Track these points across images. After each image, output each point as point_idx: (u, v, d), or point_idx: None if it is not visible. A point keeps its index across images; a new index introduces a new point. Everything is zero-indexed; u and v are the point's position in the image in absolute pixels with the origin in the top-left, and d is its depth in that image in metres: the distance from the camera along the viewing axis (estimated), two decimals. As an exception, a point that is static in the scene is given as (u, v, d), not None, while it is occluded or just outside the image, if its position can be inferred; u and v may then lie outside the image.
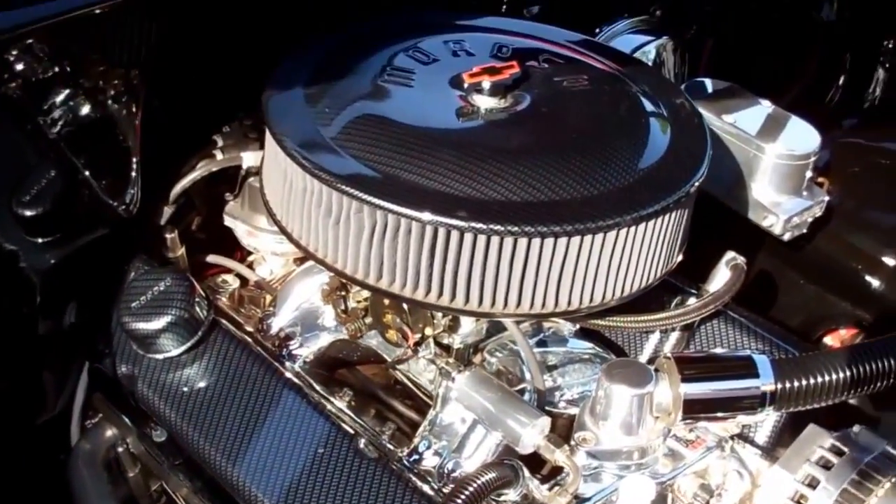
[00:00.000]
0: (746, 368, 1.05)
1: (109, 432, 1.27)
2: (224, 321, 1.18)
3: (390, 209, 0.98)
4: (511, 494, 1.00)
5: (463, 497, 0.93)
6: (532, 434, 1.03)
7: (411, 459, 1.08)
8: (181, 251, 1.25)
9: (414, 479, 1.04)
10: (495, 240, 0.98)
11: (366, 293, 1.14)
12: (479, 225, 0.97)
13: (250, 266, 1.33)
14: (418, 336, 1.10)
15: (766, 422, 1.14)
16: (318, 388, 1.18)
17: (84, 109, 1.17)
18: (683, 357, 1.07)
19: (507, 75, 1.10)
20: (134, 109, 1.17)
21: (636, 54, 1.49)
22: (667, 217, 1.04)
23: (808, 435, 1.11)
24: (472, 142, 1.06)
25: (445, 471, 1.07)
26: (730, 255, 1.19)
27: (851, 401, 1.39)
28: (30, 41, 1.10)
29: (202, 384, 1.14)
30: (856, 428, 1.11)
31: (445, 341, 1.15)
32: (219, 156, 1.24)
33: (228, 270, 1.32)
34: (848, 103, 1.63)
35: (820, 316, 1.48)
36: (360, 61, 1.15)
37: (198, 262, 1.31)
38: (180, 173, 1.24)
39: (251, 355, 1.14)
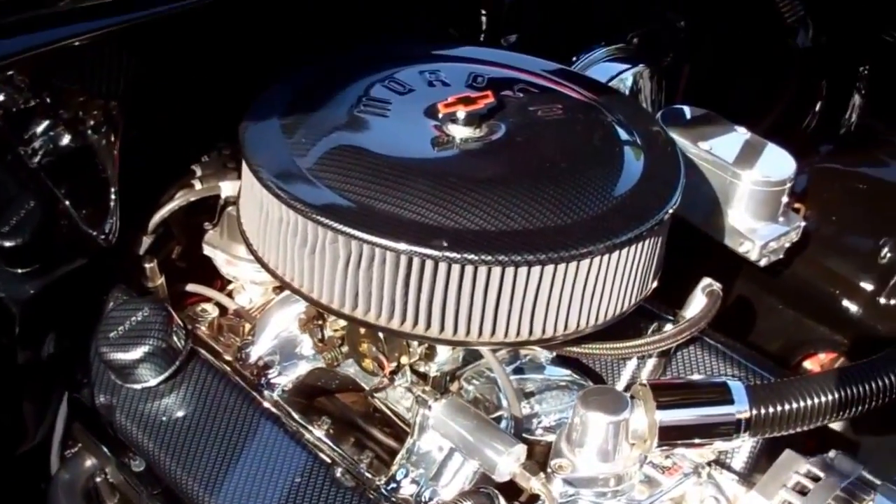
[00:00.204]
0: (721, 395, 1.05)
1: (89, 462, 1.27)
2: (203, 350, 1.19)
3: (365, 239, 0.98)
4: (488, 522, 1.00)
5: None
6: (508, 462, 1.03)
7: (389, 488, 1.08)
8: (160, 280, 1.25)
9: (391, 507, 1.04)
10: (469, 269, 0.99)
11: (343, 322, 1.14)
12: (453, 254, 0.98)
13: (230, 295, 1.34)
14: (394, 365, 1.11)
15: (742, 447, 1.15)
16: (296, 416, 1.18)
17: (64, 140, 1.17)
18: (659, 384, 1.08)
19: (482, 105, 1.11)
20: (112, 139, 1.17)
21: (613, 82, 1.52)
22: (640, 245, 1.05)
23: (785, 460, 1.12)
24: (447, 171, 1.07)
25: (423, 499, 1.07)
26: (706, 281, 1.20)
27: (834, 426, 1.42)
28: (10, 72, 1.11)
29: (180, 414, 1.14)
30: (832, 453, 1.12)
31: (422, 369, 1.15)
32: (197, 185, 1.25)
33: (208, 299, 1.33)
34: (825, 129, 1.64)
35: (799, 341, 1.49)
36: (336, 92, 1.16)
37: (178, 291, 1.32)
38: (159, 203, 1.25)
39: (229, 385, 1.14)
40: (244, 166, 1.09)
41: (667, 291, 1.24)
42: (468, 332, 1.03)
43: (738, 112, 1.45)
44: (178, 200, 1.24)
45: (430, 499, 1.07)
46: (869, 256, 1.44)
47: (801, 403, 1.05)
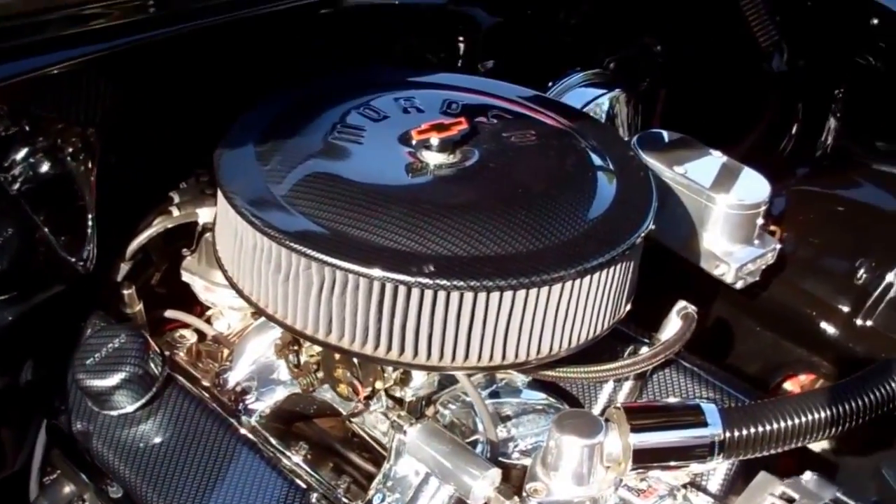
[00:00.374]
0: (695, 417, 1.06)
1: (67, 489, 1.27)
2: (180, 376, 1.19)
3: (337, 265, 0.99)
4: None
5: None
6: (482, 486, 1.03)
7: (365, 513, 1.08)
8: (139, 307, 1.26)
9: (367, 533, 1.05)
10: (441, 294, 1.00)
11: (318, 348, 1.15)
12: (426, 280, 0.98)
13: (208, 321, 1.34)
14: (369, 390, 1.11)
15: (718, 469, 1.15)
16: (273, 442, 1.19)
17: (42, 167, 1.18)
18: (632, 407, 1.08)
19: (456, 131, 1.12)
20: (90, 166, 1.18)
21: (589, 107, 1.53)
22: (612, 269, 1.06)
23: (759, 482, 1.12)
24: (421, 198, 1.08)
25: (399, 524, 1.08)
26: (681, 304, 1.21)
27: (813, 447, 1.42)
28: (-10, 101, 1.12)
29: (157, 440, 1.14)
30: (807, 475, 1.12)
31: (398, 394, 1.16)
32: (175, 212, 1.26)
33: (187, 325, 1.33)
34: (801, 152, 1.66)
35: (777, 363, 1.50)
36: (311, 119, 1.17)
37: (156, 317, 1.32)
38: (137, 230, 1.25)
39: (206, 411, 1.15)
40: (219, 193, 1.09)
41: (646, 315, 1.25)
42: (441, 358, 1.03)
43: (714, 136, 1.46)
44: (156, 227, 1.25)
45: (406, 523, 1.07)
46: (845, 278, 1.45)
47: (775, 425, 1.05)
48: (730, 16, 1.58)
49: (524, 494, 1.04)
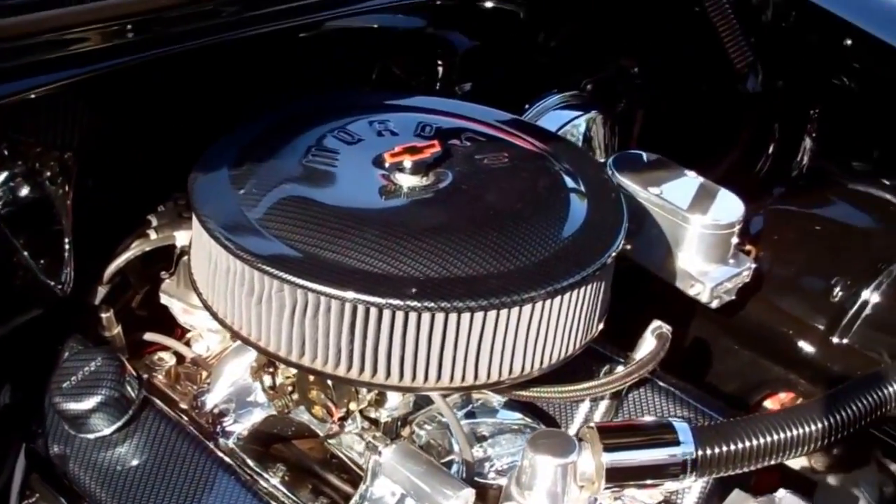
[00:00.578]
0: (668, 436, 1.07)
1: (46, 513, 1.27)
2: (158, 399, 1.19)
3: (310, 288, 1.00)
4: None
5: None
6: (456, 506, 1.04)
7: (341, 534, 1.09)
8: (117, 330, 1.26)
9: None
10: (413, 316, 1.00)
11: (294, 370, 1.15)
12: (397, 302, 0.99)
13: (188, 343, 1.35)
14: (343, 411, 1.12)
15: (693, 487, 1.16)
16: (251, 464, 1.19)
17: (20, 191, 1.19)
18: (605, 426, 1.09)
19: (429, 154, 1.13)
20: (67, 190, 1.19)
21: (566, 128, 1.54)
22: (583, 289, 1.07)
23: (734, 500, 1.13)
24: (393, 220, 1.09)
25: (375, 545, 1.08)
26: (655, 324, 1.22)
27: (791, 464, 1.43)
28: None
29: (134, 463, 1.14)
30: (780, 493, 1.13)
31: (373, 415, 1.16)
32: (153, 235, 1.26)
33: (166, 347, 1.34)
34: (777, 172, 1.67)
35: (756, 381, 1.50)
36: (285, 143, 1.18)
37: (136, 340, 1.33)
38: (115, 253, 1.26)
39: (183, 433, 1.15)
40: (193, 216, 1.10)
41: (626, 335, 1.26)
42: (414, 379, 1.04)
43: (692, 156, 1.48)
44: (134, 250, 1.25)
45: (383, 545, 1.08)
46: (821, 296, 1.46)
47: (747, 443, 1.06)
48: (706, 37, 1.60)
49: (499, 514, 1.05)
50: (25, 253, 1.19)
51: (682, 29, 1.64)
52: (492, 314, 1.02)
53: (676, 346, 1.27)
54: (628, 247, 1.39)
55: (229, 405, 1.24)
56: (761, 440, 1.06)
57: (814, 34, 1.62)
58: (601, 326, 1.16)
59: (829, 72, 1.62)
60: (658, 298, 1.42)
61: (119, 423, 1.14)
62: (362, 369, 1.03)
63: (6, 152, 1.17)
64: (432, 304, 1.00)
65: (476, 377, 1.05)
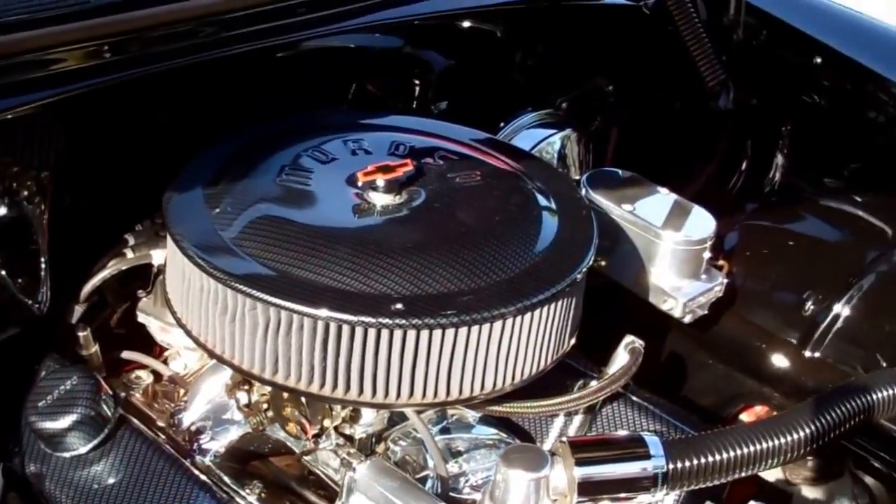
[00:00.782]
0: (639, 450, 1.08)
1: (23, 532, 1.27)
2: (135, 417, 1.19)
3: (282, 306, 1.01)
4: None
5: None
6: (430, 522, 1.05)
7: (316, 551, 1.09)
8: (94, 348, 1.27)
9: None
10: (385, 333, 1.02)
11: (268, 387, 1.16)
12: (369, 319, 1.01)
13: (165, 361, 1.35)
14: (317, 428, 1.13)
15: (665, 500, 1.17)
16: (227, 481, 1.19)
17: None
18: (577, 441, 1.11)
19: (401, 173, 1.15)
20: (43, 209, 1.20)
21: (541, 146, 1.56)
22: (553, 305, 1.09)
23: (705, 513, 1.15)
24: (366, 238, 1.10)
25: (350, 561, 1.09)
26: (628, 339, 1.23)
27: (766, 476, 1.45)
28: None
29: (110, 481, 1.14)
30: (749, 504, 1.15)
31: (348, 431, 1.17)
32: (129, 254, 1.27)
33: (144, 366, 1.34)
34: (750, 188, 1.70)
35: (730, 395, 1.52)
36: (260, 162, 1.20)
37: (113, 358, 1.33)
38: (91, 272, 1.26)
39: (159, 451, 1.15)
40: (167, 235, 1.11)
41: (601, 350, 1.27)
42: (387, 395, 1.05)
43: (666, 173, 1.50)
44: (110, 269, 1.26)
45: (357, 561, 1.08)
46: (794, 310, 1.48)
47: (718, 456, 1.08)
48: (678, 56, 1.62)
49: (473, 528, 1.06)
50: (2, 272, 1.19)
51: (655, 48, 1.66)
52: (463, 331, 1.03)
53: (652, 360, 1.29)
54: (602, 263, 1.41)
55: (206, 423, 1.24)
56: (732, 453, 1.07)
57: (785, 52, 1.64)
58: (573, 341, 1.18)
59: (799, 89, 1.64)
60: (632, 314, 1.43)
61: (95, 442, 1.14)
62: (335, 386, 1.04)
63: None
64: (404, 322, 1.01)
65: (448, 393, 1.07)
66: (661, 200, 1.42)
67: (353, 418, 1.16)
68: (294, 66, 1.42)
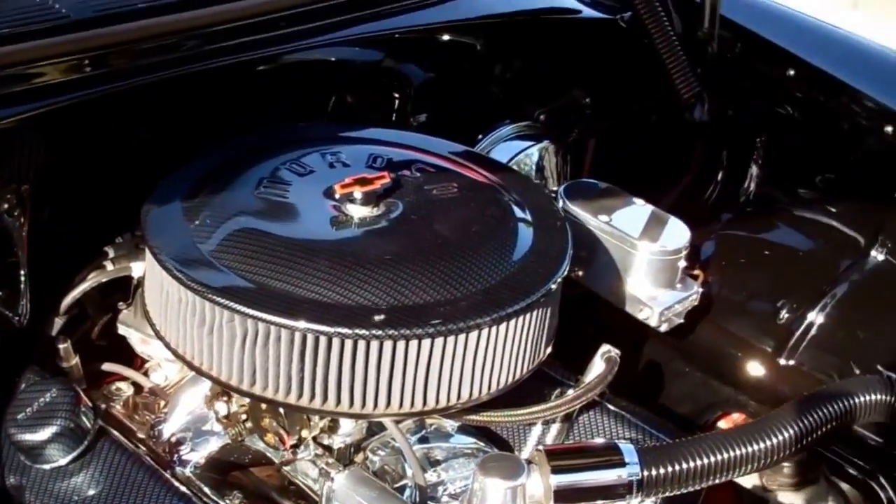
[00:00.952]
0: (614, 457, 1.09)
1: (4, 544, 1.28)
2: (115, 429, 1.20)
3: (259, 317, 1.02)
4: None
5: None
6: (407, 531, 1.06)
7: (296, 560, 1.10)
8: (75, 361, 1.27)
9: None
10: (362, 344, 1.03)
11: (247, 398, 1.17)
12: (345, 330, 1.02)
13: (146, 373, 1.36)
14: (296, 438, 1.14)
15: (643, 507, 1.19)
16: (207, 492, 1.20)
17: None
18: (554, 449, 1.12)
19: (378, 185, 1.16)
20: (22, 222, 1.20)
21: (519, 157, 1.58)
22: (528, 315, 1.10)
23: (680, 521, 1.16)
24: (343, 250, 1.11)
25: (329, 570, 1.10)
26: (605, 348, 1.25)
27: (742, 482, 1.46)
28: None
29: (91, 493, 1.15)
30: (724, 512, 1.16)
31: (326, 441, 1.18)
32: (109, 267, 1.27)
33: (125, 377, 1.35)
34: (725, 198, 1.72)
35: (707, 402, 1.54)
36: (238, 175, 1.21)
37: (94, 370, 1.34)
38: (71, 284, 1.27)
39: (139, 463, 1.16)
40: (146, 248, 1.12)
41: (579, 359, 1.29)
42: (364, 405, 1.06)
43: (642, 184, 1.52)
44: (90, 281, 1.26)
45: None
46: (768, 318, 1.51)
47: (692, 463, 1.09)
48: (654, 69, 1.64)
49: (450, 537, 1.07)
50: None
51: (632, 61, 1.69)
52: (439, 341, 1.05)
53: (629, 369, 1.31)
54: (579, 273, 1.43)
55: (186, 434, 1.25)
56: (706, 460, 1.09)
57: (758, 65, 1.67)
58: (549, 350, 1.19)
59: (773, 101, 1.67)
60: (609, 323, 1.45)
61: (75, 454, 1.15)
62: (313, 397, 1.05)
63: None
64: (381, 332, 1.02)
65: (426, 403, 1.08)
66: (637, 211, 1.44)
67: (332, 428, 1.17)
68: (275, 80, 1.44)
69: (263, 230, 1.13)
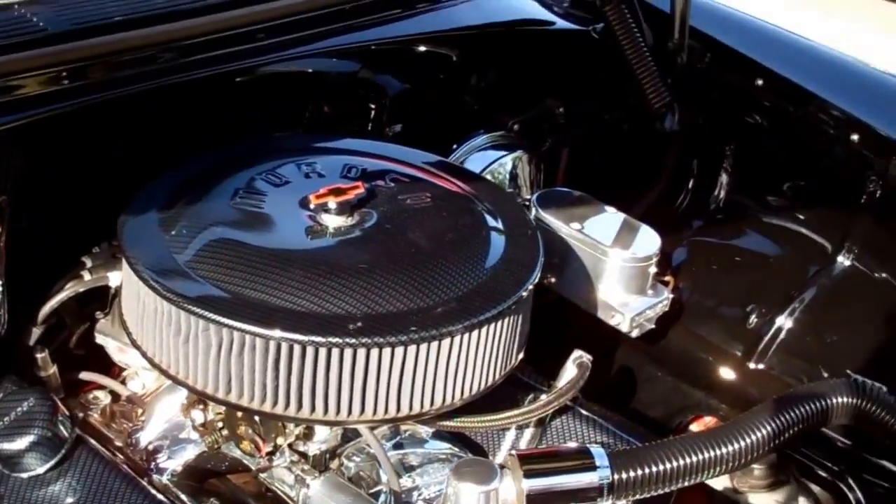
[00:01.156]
0: (585, 461, 1.11)
1: (-18, 553, 1.28)
2: (93, 437, 1.21)
3: (234, 326, 1.03)
4: None
5: None
6: (382, 535, 1.08)
7: (271, 567, 1.12)
8: (53, 370, 1.28)
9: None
10: (335, 352, 1.04)
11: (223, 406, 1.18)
12: (319, 338, 1.03)
13: (123, 381, 1.37)
14: (271, 446, 1.15)
15: (616, 510, 1.21)
16: (185, 499, 1.21)
17: None
18: (526, 454, 1.14)
19: (353, 195, 1.18)
20: (0, 231, 1.21)
21: (493, 167, 1.60)
22: (500, 322, 1.12)
23: (651, 522, 1.18)
24: (318, 259, 1.13)
25: (305, 576, 1.11)
26: (577, 353, 1.27)
27: (713, 484, 1.49)
28: None
29: (68, 501, 1.15)
30: (696, 514, 1.18)
31: (302, 448, 1.20)
32: (87, 276, 1.28)
33: (103, 386, 1.36)
34: (696, 206, 1.75)
35: (679, 406, 1.57)
36: (214, 185, 1.22)
37: (72, 379, 1.34)
38: (49, 294, 1.28)
39: (116, 471, 1.17)
40: (123, 258, 1.14)
41: (552, 364, 1.31)
42: (338, 412, 1.08)
43: (614, 193, 1.54)
44: (68, 291, 1.27)
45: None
46: (738, 323, 1.54)
47: (662, 466, 1.11)
48: (625, 79, 1.67)
49: (424, 541, 1.08)
50: None
51: (604, 71, 1.71)
52: (412, 348, 1.06)
53: (602, 374, 1.33)
54: (552, 280, 1.46)
55: (163, 442, 1.26)
56: (676, 462, 1.11)
57: (728, 75, 1.70)
58: (521, 356, 1.21)
59: (742, 110, 1.70)
60: (581, 329, 1.47)
61: (52, 462, 1.15)
62: (288, 405, 1.07)
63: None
64: (355, 341, 1.04)
65: (399, 409, 1.10)
66: (609, 219, 1.47)
67: (307, 435, 1.19)
68: (251, 91, 1.45)
69: (239, 240, 1.14)
